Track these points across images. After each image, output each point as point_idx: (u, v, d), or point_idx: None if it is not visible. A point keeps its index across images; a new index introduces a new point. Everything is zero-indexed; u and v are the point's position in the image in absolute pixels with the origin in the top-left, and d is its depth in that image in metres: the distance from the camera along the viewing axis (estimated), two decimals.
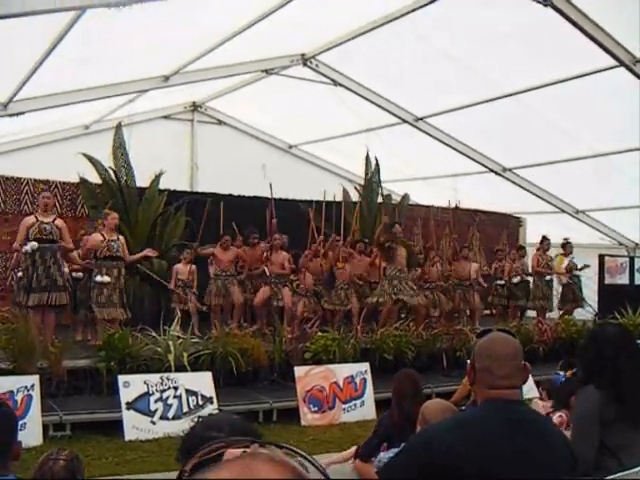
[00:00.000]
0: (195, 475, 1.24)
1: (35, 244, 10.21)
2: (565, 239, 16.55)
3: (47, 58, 11.25)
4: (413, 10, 11.83)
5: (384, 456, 5.24)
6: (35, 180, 15.03)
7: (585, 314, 16.37)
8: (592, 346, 4.12)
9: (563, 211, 19.12)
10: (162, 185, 15.48)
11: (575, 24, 11.07)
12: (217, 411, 2.83)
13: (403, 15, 12.05)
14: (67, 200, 15.30)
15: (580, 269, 16.40)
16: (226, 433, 2.38)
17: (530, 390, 9.25)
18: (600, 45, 11.51)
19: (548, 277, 16.10)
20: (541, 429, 3.01)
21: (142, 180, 15.20)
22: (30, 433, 8.47)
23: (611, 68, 12.22)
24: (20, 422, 8.37)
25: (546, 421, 3.22)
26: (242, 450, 1.34)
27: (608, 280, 17.49)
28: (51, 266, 10.39)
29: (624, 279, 18.18)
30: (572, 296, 16.35)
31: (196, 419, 2.58)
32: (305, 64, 14.73)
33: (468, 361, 3.19)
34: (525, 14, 11.14)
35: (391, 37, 12.63)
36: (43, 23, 9.75)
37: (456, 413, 3.97)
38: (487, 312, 16.76)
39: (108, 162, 14.92)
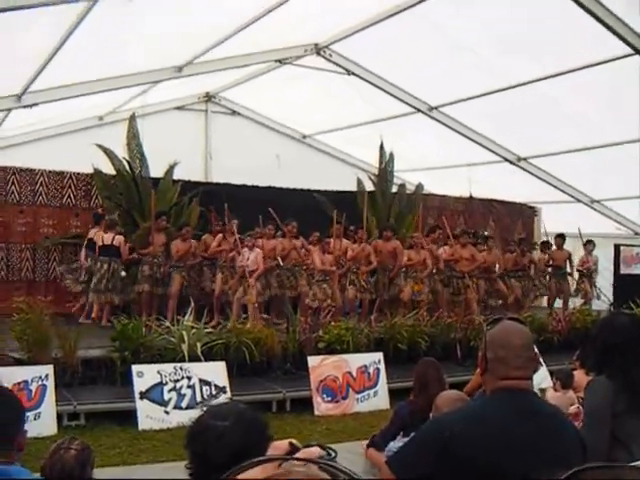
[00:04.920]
0: None
1: None
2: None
3: (60, 49, 11.24)
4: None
5: (394, 445, 5.23)
6: (49, 171, 15.06)
7: (601, 304, 16.30)
8: (602, 335, 4.08)
9: (579, 200, 19.00)
10: (176, 175, 15.49)
11: (589, 11, 10.97)
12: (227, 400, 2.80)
13: (416, 4, 11.98)
14: (81, 191, 15.33)
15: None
16: (231, 422, 2.39)
17: (544, 380, 9.22)
18: (615, 33, 11.40)
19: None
20: (551, 419, 2.99)
21: (156, 171, 15.21)
22: (44, 422, 8.53)
23: (626, 56, 12.10)
24: (34, 412, 8.49)
25: (556, 412, 3.20)
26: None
27: (624, 270, 17.40)
28: None
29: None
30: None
31: (204, 408, 2.58)
32: (318, 53, 14.69)
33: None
34: (539, 2, 11.06)
35: (405, 26, 12.57)
36: (56, 14, 9.76)
37: (468, 403, 3.96)
38: None
39: (122, 153, 14.93)
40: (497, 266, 15.77)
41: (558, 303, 16.55)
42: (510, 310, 14.29)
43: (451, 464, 2.76)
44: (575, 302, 16.49)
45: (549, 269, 16.58)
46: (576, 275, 16.76)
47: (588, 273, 16.63)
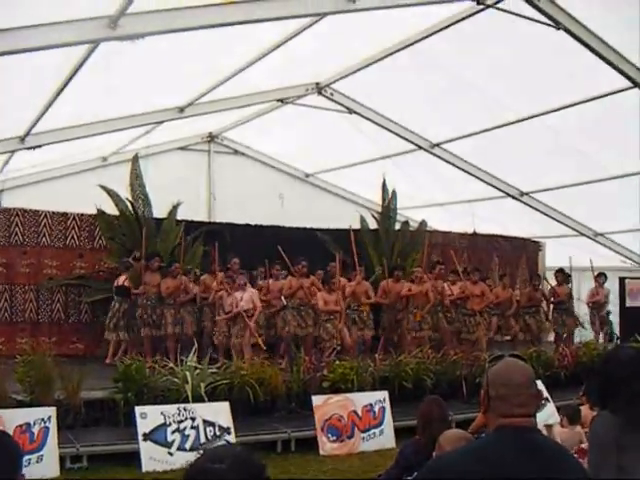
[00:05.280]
0: None
1: None
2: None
3: (63, 91, 11.34)
4: (426, 37, 11.89)
5: None
6: (53, 212, 15.10)
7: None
8: (606, 369, 4.03)
9: (582, 234, 18.99)
10: (180, 216, 15.51)
11: (589, 47, 11.10)
12: (224, 442, 2.76)
13: (416, 42, 12.11)
14: (85, 232, 15.35)
15: None
16: (227, 464, 2.35)
17: (551, 416, 9.15)
18: (614, 67, 11.53)
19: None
20: (556, 457, 2.94)
21: (160, 211, 15.25)
22: (47, 465, 8.47)
23: (626, 89, 12.20)
24: (37, 454, 8.44)
25: (561, 449, 3.14)
26: None
27: (629, 303, 17.30)
28: None
29: None
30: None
31: (200, 452, 2.55)
32: (320, 93, 14.82)
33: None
34: (539, 39, 11.15)
35: (405, 64, 12.68)
36: (59, 56, 9.83)
37: (472, 442, 3.92)
38: None
39: (125, 193, 14.99)
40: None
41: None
42: (524, 347, 14.29)
43: None
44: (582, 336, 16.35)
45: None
46: (585, 309, 16.66)
47: (597, 306, 16.50)
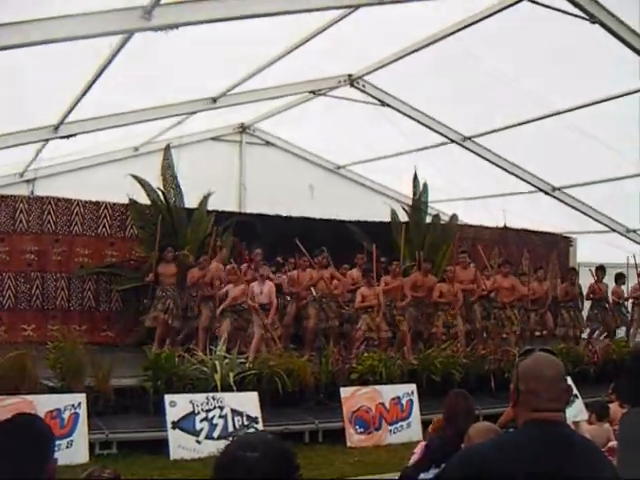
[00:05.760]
0: None
1: None
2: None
3: (97, 80, 11.41)
4: (459, 30, 11.83)
5: (425, 477, 5.17)
6: (85, 201, 15.23)
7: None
8: (637, 366, 4.00)
9: (613, 230, 18.83)
10: (210, 206, 15.57)
11: (623, 40, 10.97)
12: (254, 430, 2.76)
13: (448, 35, 12.06)
14: (117, 221, 15.48)
15: None
16: (260, 453, 2.34)
17: (580, 412, 9.09)
18: None
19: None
20: (586, 453, 2.93)
21: (191, 201, 15.33)
22: (76, 451, 8.56)
23: None
24: (67, 440, 8.54)
25: (591, 445, 3.13)
26: None
27: None
28: None
29: None
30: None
31: (232, 438, 2.55)
32: (352, 85, 14.79)
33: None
34: (572, 32, 11.04)
35: (437, 56, 12.63)
36: (93, 46, 9.90)
37: (500, 434, 3.91)
38: None
39: (157, 183, 15.07)
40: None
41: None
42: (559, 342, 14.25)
43: None
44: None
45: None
46: (628, 305, 16.51)
47: (639, 302, 16.30)
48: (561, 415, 2.95)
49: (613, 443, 5.72)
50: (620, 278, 16.30)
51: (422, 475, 5.27)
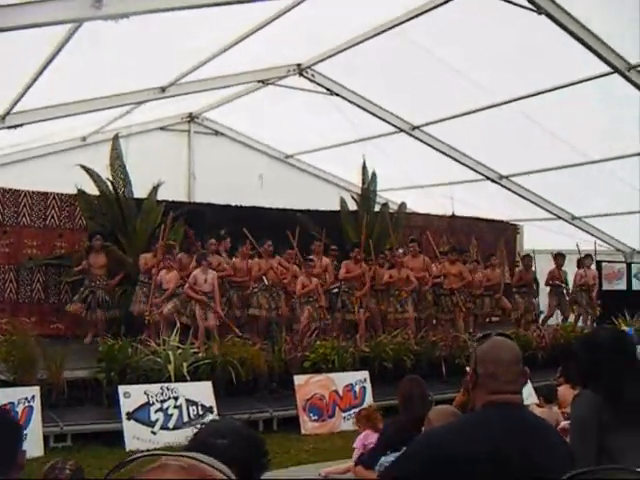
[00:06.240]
0: None
1: None
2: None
3: (45, 70, 11.29)
4: (408, 20, 11.93)
5: (385, 460, 5.26)
6: (33, 192, 15.02)
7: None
8: (586, 350, 4.12)
9: (560, 218, 19.17)
10: (160, 196, 15.46)
11: (569, 31, 11.17)
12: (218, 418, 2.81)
13: (397, 25, 12.14)
14: (65, 212, 15.25)
15: None
16: (230, 440, 2.39)
17: (530, 396, 9.27)
18: (594, 52, 11.61)
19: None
20: (541, 432, 3.04)
21: (140, 191, 15.21)
22: (31, 444, 8.46)
23: (605, 75, 12.31)
24: None
25: (545, 424, 3.25)
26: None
27: (606, 286, 17.50)
28: None
29: (622, 285, 18.21)
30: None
31: (200, 426, 2.60)
32: (301, 74, 14.81)
33: (467, 368, 3.22)
34: (520, 23, 11.22)
35: (387, 46, 12.72)
36: (41, 35, 9.79)
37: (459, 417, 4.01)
38: None
39: (106, 173, 14.92)
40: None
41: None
42: (512, 327, 14.46)
43: (443, 473, 2.80)
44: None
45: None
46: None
47: (585, 288, 16.64)
48: (519, 397, 3.07)
49: (565, 423, 5.86)
50: (558, 258, 16.56)
51: (382, 458, 5.37)
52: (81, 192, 14.82)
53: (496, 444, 2.84)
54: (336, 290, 14.23)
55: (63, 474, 3.98)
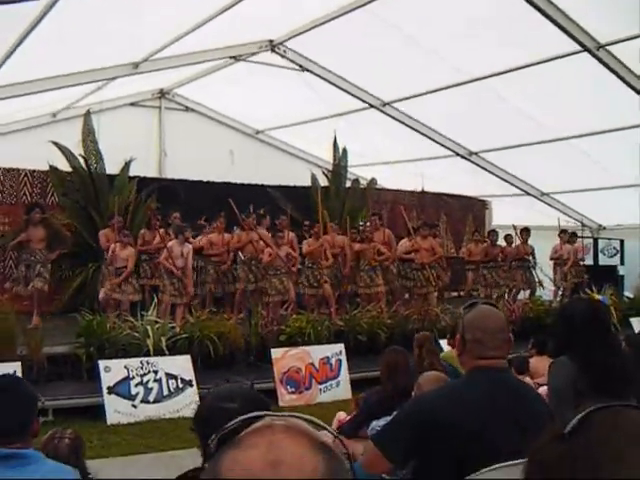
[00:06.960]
0: (220, 450, 1.26)
1: None
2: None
3: (17, 47, 11.23)
4: None
5: (377, 424, 5.38)
6: (4, 169, 14.93)
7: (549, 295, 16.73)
8: (562, 320, 4.27)
9: (528, 194, 19.44)
10: (131, 172, 15.47)
11: (539, 9, 11.30)
12: (225, 382, 2.90)
13: (368, 2, 12.20)
14: (37, 189, 15.20)
15: None
16: (239, 403, 2.47)
17: None
18: (563, 30, 11.76)
19: None
20: (524, 393, 3.22)
21: (111, 167, 15.18)
22: None
23: (575, 53, 12.48)
24: None
25: (527, 387, 3.45)
26: None
27: None
28: None
29: (589, 260, 18.56)
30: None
31: (208, 390, 2.69)
32: (273, 50, 14.86)
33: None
34: (492, 1, 11.35)
35: (358, 23, 12.80)
36: (12, 13, 9.76)
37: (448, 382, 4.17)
38: None
39: (78, 150, 14.89)
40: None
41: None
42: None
43: (434, 437, 2.94)
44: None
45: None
46: (551, 264, 17.03)
47: (560, 262, 16.89)
48: (504, 362, 3.23)
49: (541, 390, 6.05)
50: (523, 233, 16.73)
51: (374, 422, 5.50)
52: (53, 168, 14.79)
53: (484, 404, 3.00)
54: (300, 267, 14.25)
55: (62, 443, 4.08)
